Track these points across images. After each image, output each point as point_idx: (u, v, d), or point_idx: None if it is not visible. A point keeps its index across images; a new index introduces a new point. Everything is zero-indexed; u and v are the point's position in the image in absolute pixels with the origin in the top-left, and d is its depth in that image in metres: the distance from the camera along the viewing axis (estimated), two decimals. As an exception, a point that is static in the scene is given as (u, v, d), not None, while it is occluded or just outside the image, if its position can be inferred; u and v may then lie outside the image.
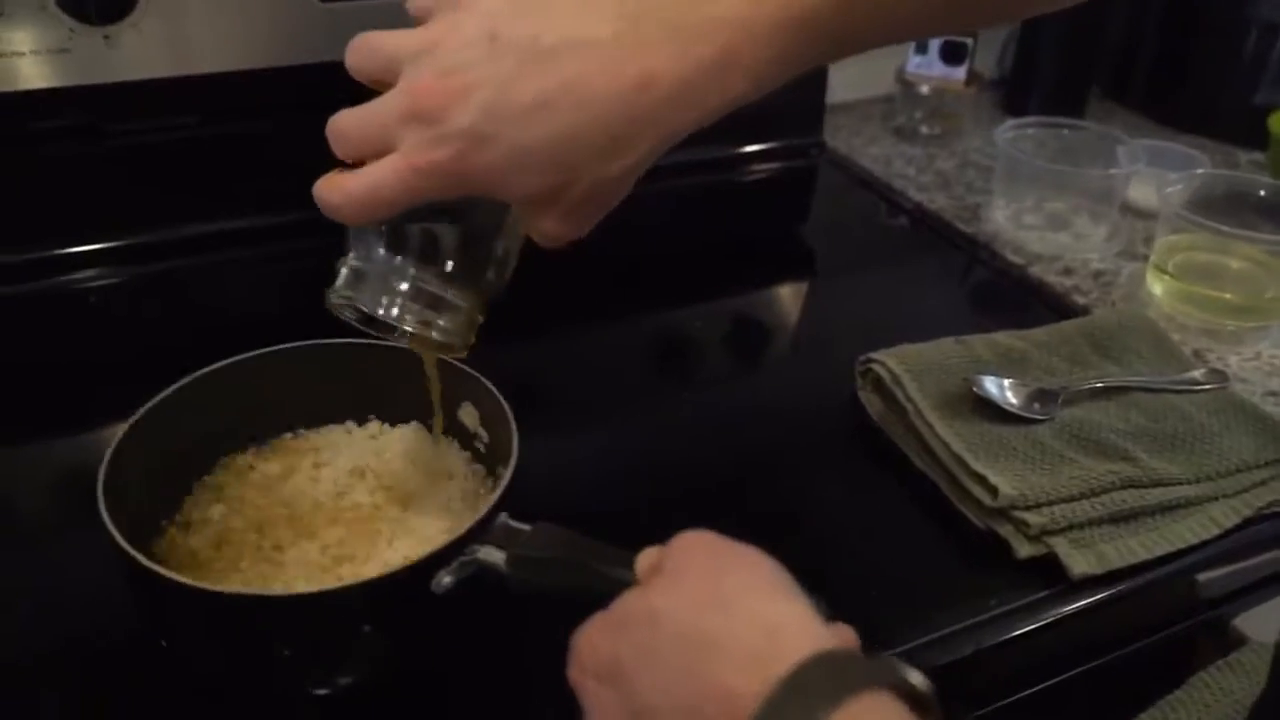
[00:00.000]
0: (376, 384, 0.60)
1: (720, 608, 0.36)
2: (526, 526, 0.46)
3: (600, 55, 0.39)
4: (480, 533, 0.46)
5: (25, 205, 0.78)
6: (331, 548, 0.52)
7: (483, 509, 0.46)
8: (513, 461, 0.50)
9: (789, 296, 0.92)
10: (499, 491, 0.48)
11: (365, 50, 0.43)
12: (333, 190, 0.42)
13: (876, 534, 0.61)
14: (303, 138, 0.83)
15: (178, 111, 0.80)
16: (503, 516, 0.47)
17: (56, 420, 0.70)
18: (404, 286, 0.44)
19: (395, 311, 0.44)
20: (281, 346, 0.59)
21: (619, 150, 0.41)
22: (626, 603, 0.38)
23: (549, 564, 0.44)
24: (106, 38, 0.72)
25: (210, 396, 0.56)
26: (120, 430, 0.51)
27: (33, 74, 0.72)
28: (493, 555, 0.45)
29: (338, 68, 0.82)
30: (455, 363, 0.56)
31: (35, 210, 0.78)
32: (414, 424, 0.61)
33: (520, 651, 0.52)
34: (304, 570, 0.50)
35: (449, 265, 0.45)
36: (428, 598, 0.45)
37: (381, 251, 0.44)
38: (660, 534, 0.57)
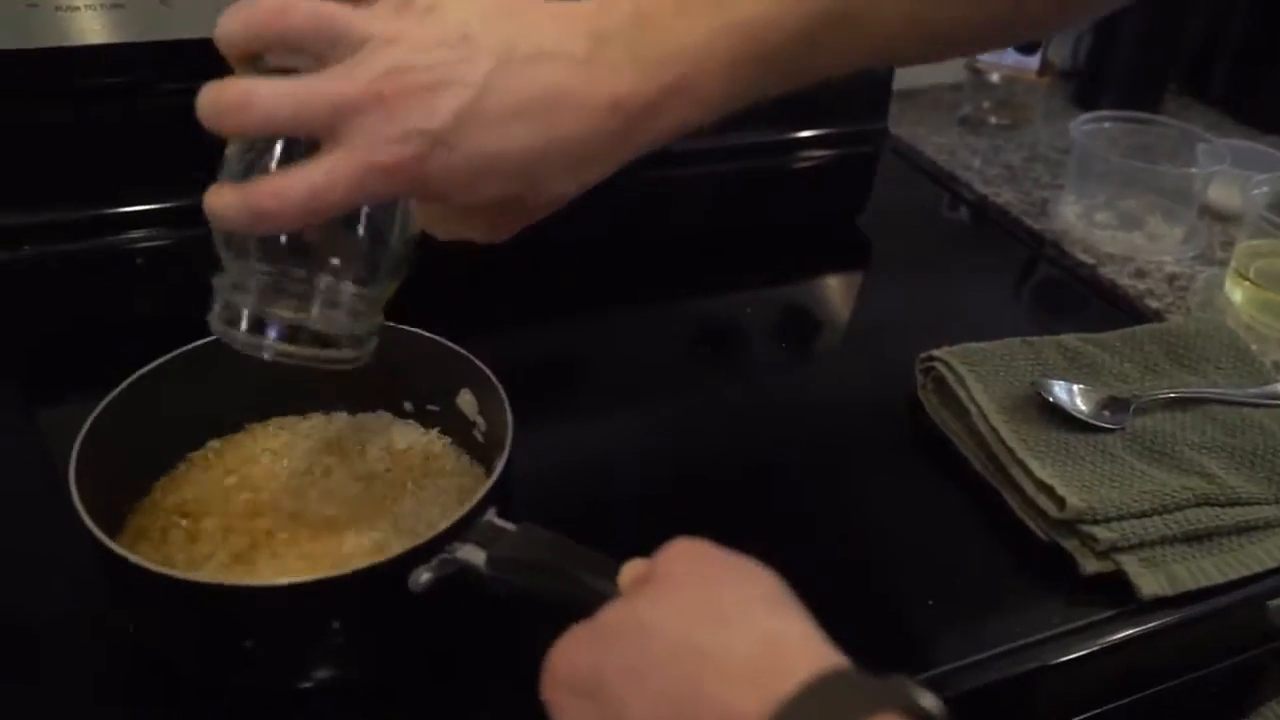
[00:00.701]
0: (374, 369, 0.57)
1: (716, 620, 0.33)
2: (511, 526, 0.44)
3: (576, 71, 0.37)
4: (463, 529, 0.43)
5: (75, 163, 0.77)
6: (310, 539, 0.49)
7: (470, 503, 0.44)
8: (505, 454, 0.47)
9: (843, 287, 0.89)
10: (488, 486, 0.45)
11: (305, 14, 0.36)
12: (261, 196, 0.35)
13: (932, 541, 0.58)
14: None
15: (231, 72, 0.78)
16: (490, 513, 0.45)
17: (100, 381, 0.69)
18: (317, 299, 0.39)
19: (303, 323, 0.39)
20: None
21: (584, 167, 0.40)
22: (611, 614, 0.35)
23: (529, 567, 0.42)
24: (162, -5, 0.71)
25: (192, 377, 0.53)
26: (97, 408, 0.49)
27: (87, 29, 0.71)
28: (473, 554, 0.43)
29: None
30: (455, 348, 0.54)
31: (85, 168, 0.78)
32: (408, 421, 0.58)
33: (499, 653, 0.49)
34: (279, 562, 0.48)
35: (359, 270, 0.40)
36: (404, 595, 0.43)
37: (267, 264, 0.39)
38: (695, 528, 0.56)
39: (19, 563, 0.52)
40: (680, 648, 0.32)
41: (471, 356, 0.54)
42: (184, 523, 0.50)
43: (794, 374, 0.74)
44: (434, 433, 0.57)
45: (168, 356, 0.53)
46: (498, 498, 0.45)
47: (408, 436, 0.57)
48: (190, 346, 0.53)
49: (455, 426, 0.56)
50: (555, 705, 0.34)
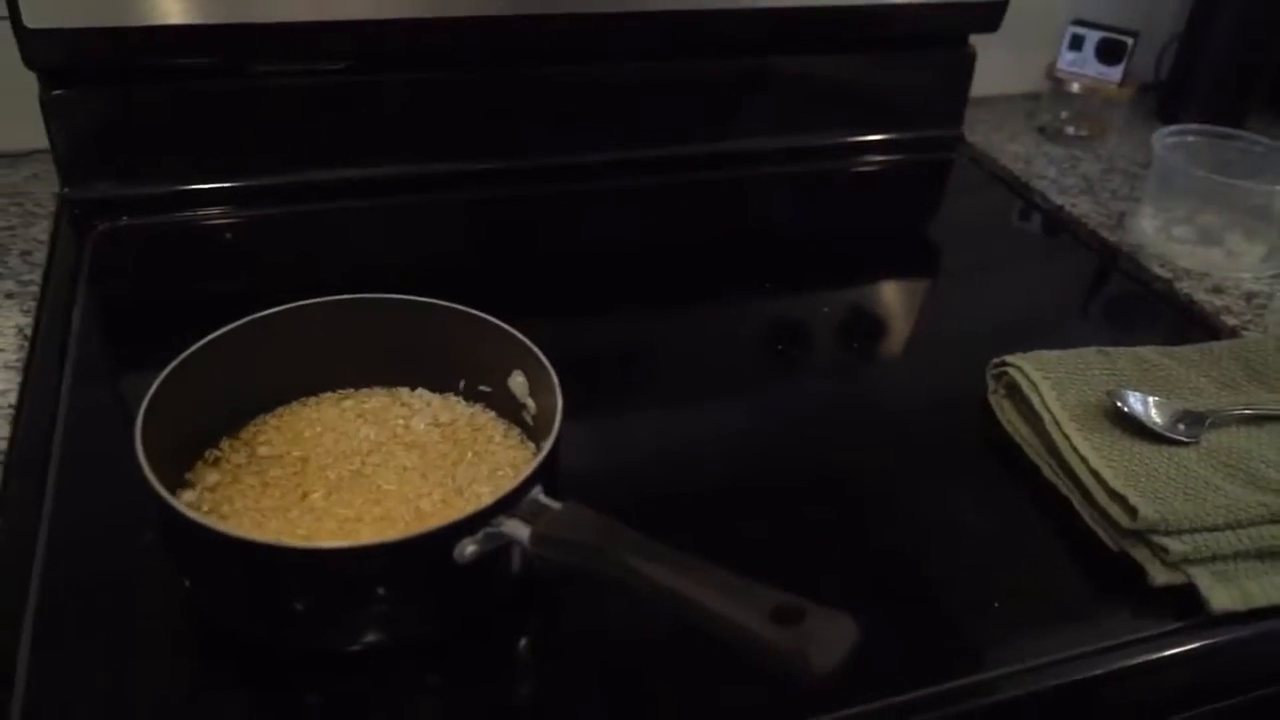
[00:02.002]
0: (431, 349, 0.58)
1: None
2: (557, 504, 0.45)
3: None
4: (509, 505, 0.44)
5: (165, 140, 0.80)
6: (363, 508, 0.50)
7: (515, 482, 0.45)
8: (554, 433, 0.48)
9: (913, 291, 0.89)
10: (535, 464, 0.46)
11: None
12: None
13: (999, 546, 0.58)
14: (439, 91, 0.84)
15: (323, 57, 0.81)
16: (536, 490, 0.45)
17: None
18: None
19: None
20: (345, 297, 0.57)
21: None
22: None
23: (571, 545, 0.43)
24: (263, -22, 0.73)
25: (262, 343, 0.54)
26: (167, 368, 0.50)
27: (179, 9, 0.73)
28: (518, 529, 0.44)
29: (484, 23, 0.82)
30: (508, 329, 0.55)
31: (176, 145, 0.81)
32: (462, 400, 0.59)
33: (534, 628, 0.51)
34: (333, 526, 0.49)
35: None
36: (448, 565, 0.43)
37: None
38: (755, 527, 0.56)
39: (87, 522, 0.54)
40: None
41: (524, 338, 0.55)
42: (243, 483, 0.52)
43: (861, 376, 0.75)
44: (478, 407, 0.58)
45: (221, 331, 0.54)
46: (544, 476, 0.46)
47: (451, 410, 0.58)
48: (241, 322, 0.54)
49: (507, 408, 0.57)
50: None
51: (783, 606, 0.37)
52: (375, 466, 0.52)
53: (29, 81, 0.76)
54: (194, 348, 0.52)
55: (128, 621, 0.49)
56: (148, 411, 0.47)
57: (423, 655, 0.48)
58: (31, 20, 0.70)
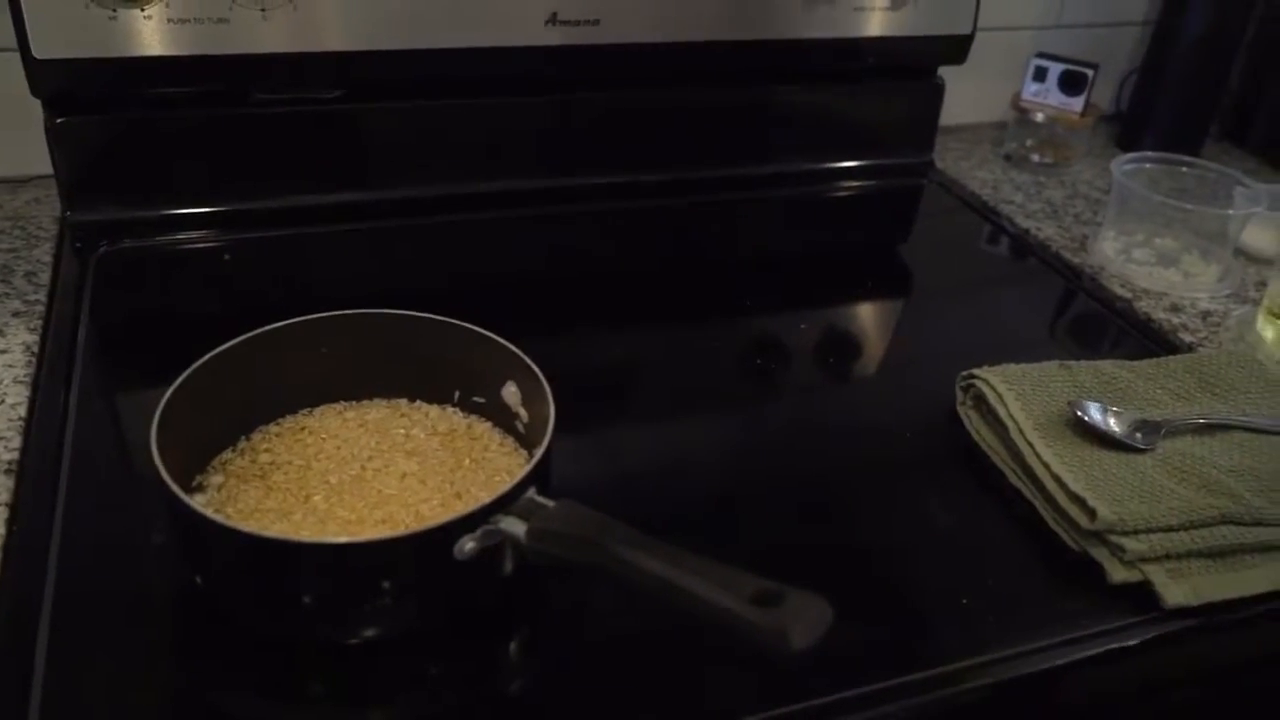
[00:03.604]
0: (427, 361, 0.60)
1: None
2: (551, 503, 0.47)
3: None
4: (506, 503, 0.47)
5: (165, 165, 0.83)
6: (364, 511, 0.52)
7: (512, 482, 0.48)
8: (547, 438, 0.51)
9: (885, 312, 0.92)
10: (530, 466, 0.49)
11: None
12: None
13: (968, 547, 0.61)
14: (434, 119, 0.88)
15: (317, 86, 0.84)
16: (530, 491, 0.48)
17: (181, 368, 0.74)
18: None
19: None
20: (341, 313, 0.59)
21: None
22: None
23: (565, 539, 0.45)
24: (263, 10, 0.76)
25: (267, 355, 0.57)
26: (180, 377, 0.53)
27: (180, 41, 0.76)
28: (514, 526, 0.47)
29: (473, 54, 0.86)
30: (501, 341, 0.57)
31: (175, 171, 0.83)
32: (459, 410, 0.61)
33: (532, 624, 0.53)
34: (335, 528, 0.51)
35: None
36: (448, 561, 0.46)
37: None
38: (740, 532, 0.59)
39: (97, 527, 0.56)
40: None
41: (516, 350, 0.57)
42: (248, 487, 0.54)
43: (837, 390, 0.78)
44: (474, 417, 0.60)
45: (229, 344, 0.56)
46: (539, 478, 0.49)
47: (449, 420, 0.60)
48: (248, 335, 0.57)
49: (500, 419, 0.60)
50: None
51: (763, 590, 0.40)
52: (376, 472, 0.54)
53: (31, 109, 0.79)
54: (203, 359, 0.54)
55: (138, 620, 0.51)
56: (161, 419, 0.50)
57: (419, 649, 0.50)
58: (39, 51, 0.73)
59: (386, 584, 0.47)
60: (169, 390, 0.52)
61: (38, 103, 0.78)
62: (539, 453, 0.50)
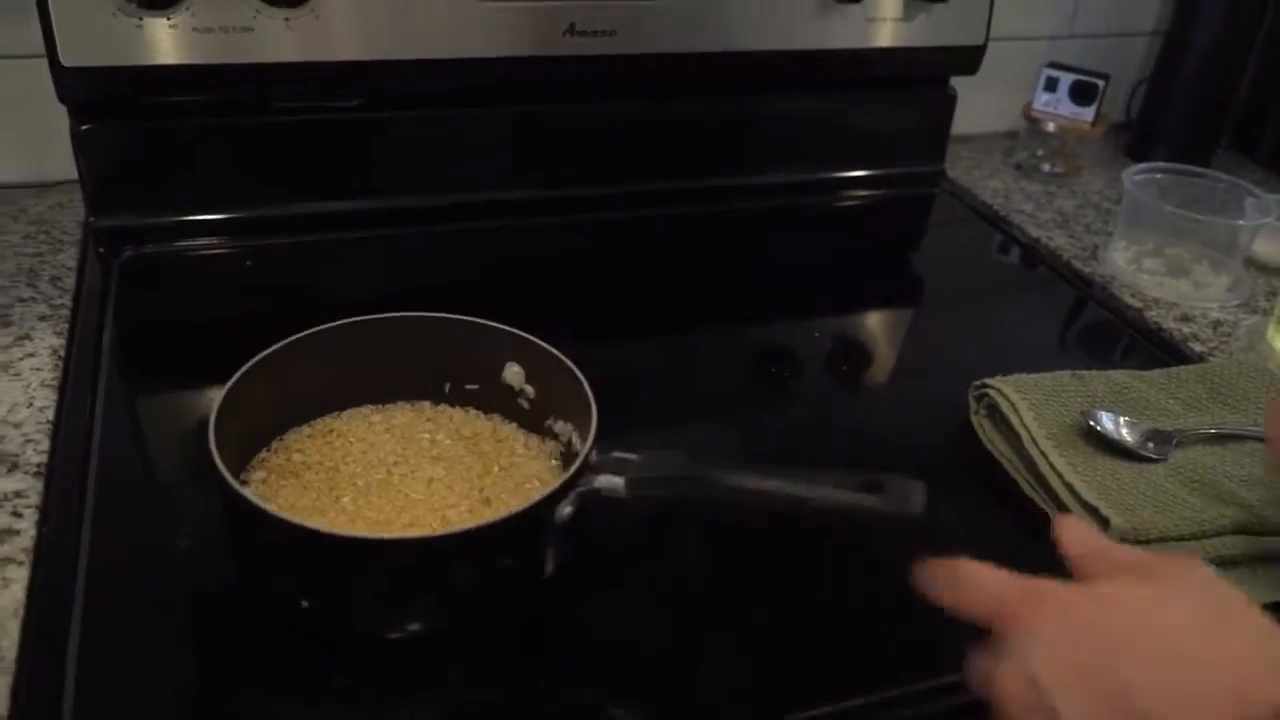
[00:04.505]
0: (421, 356, 0.62)
1: (1235, 626, 0.37)
2: (634, 455, 0.51)
3: None
4: (591, 467, 0.50)
5: (187, 171, 0.84)
6: (390, 514, 0.54)
7: (583, 449, 0.51)
8: (594, 407, 0.54)
9: (897, 321, 0.93)
10: (592, 431, 0.52)
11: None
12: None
13: (982, 554, 0.61)
14: (453, 128, 0.89)
15: (337, 95, 0.85)
16: (611, 453, 0.51)
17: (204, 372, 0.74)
18: None
19: None
20: (373, 317, 0.61)
21: None
22: (1108, 614, 0.39)
23: (670, 481, 0.50)
24: (287, 20, 0.77)
25: (299, 361, 0.58)
26: (234, 378, 0.54)
27: (214, 49, 0.77)
28: (610, 483, 0.50)
29: (492, 64, 0.87)
30: (496, 325, 0.60)
31: (197, 177, 0.84)
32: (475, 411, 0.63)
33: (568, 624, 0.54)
34: (364, 528, 0.52)
35: None
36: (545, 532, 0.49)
37: None
38: (749, 539, 0.60)
39: (126, 528, 0.57)
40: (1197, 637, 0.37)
41: (511, 329, 0.60)
42: (285, 484, 0.55)
43: (850, 396, 0.79)
44: (497, 417, 0.62)
45: (277, 346, 0.57)
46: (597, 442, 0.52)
47: (473, 424, 0.61)
48: (290, 340, 0.58)
49: (502, 399, 0.62)
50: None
51: (869, 481, 0.50)
52: (402, 477, 0.55)
53: (54, 116, 0.80)
54: (251, 362, 0.55)
55: (168, 619, 0.52)
56: (218, 416, 0.51)
57: (457, 648, 0.52)
58: (67, 59, 0.74)
59: (507, 561, 0.50)
60: (222, 392, 0.53)
61: (62, 109, 0.79)
62: (593, 415, 0.53)
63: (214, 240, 0.84)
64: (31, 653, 0.49)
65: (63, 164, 0.84)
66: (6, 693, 0.47)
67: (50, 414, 0.64)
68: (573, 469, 0.50)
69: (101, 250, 0.81)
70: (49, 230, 0.84)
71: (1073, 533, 0.45)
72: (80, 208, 0.86)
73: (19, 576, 0.52)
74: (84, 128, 0.80)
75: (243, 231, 0.84)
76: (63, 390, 0.66)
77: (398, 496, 0.54)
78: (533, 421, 0.61)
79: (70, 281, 0.77)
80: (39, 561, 0.53)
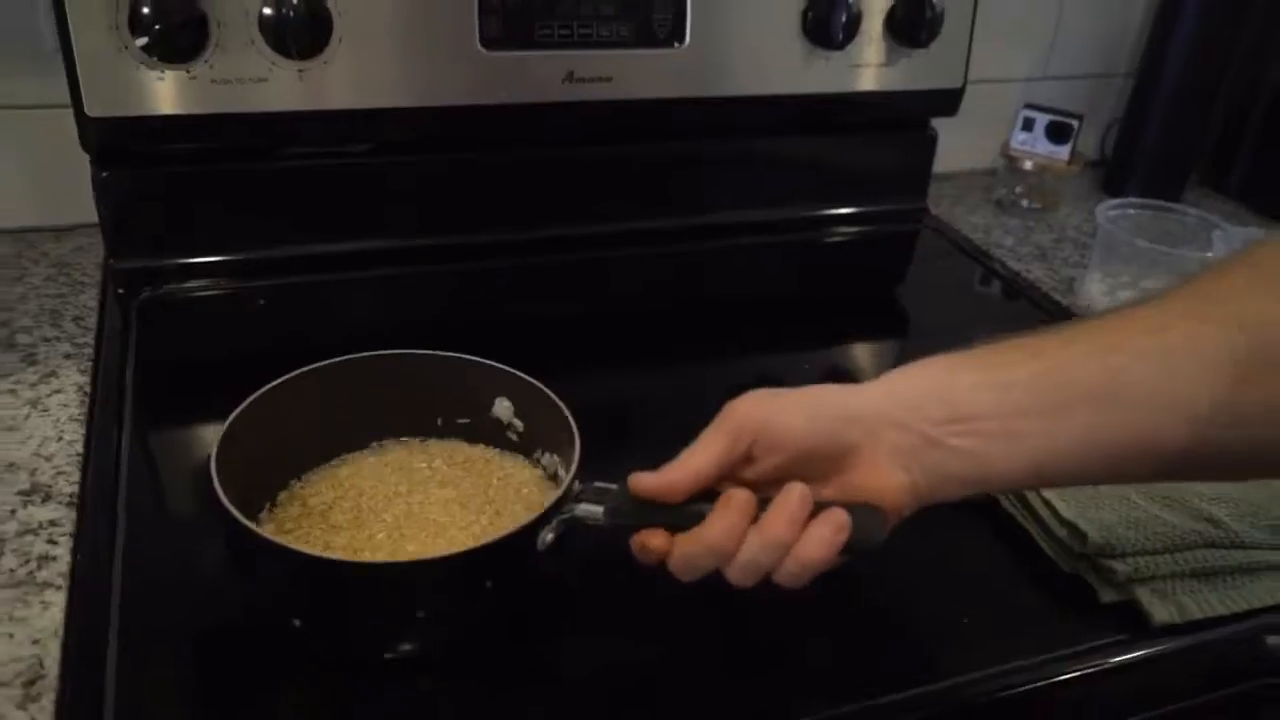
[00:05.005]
0: (419, 393, 0.65)
1: None
2: (613, 485, 0.53)
3: None
4: (573, 496, 0.53)
5: (202, 215, 0.88)
6: (426, 541, 0.57)
7: (566, 478, 0.54)
8: (577, 438, 0.57)
9: (885, 351, 0.97)
10: (575, 462, 0.55)
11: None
12: None
13: (968, 570, 0.65)
14: (458, 171, 0.93)
15: (346, 141, 0.89)
16: (591, 483, 0.54)
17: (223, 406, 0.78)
18: None
19: None
20: (379, 353, 0.64)
21: None
22: None
23: (648, 510, 0.51)
24: (300, 71, 0.81)
25: (302, 395, 0.61)
26: (233, 414, 0.57)
27: (231, 99, 0.81)
28: (590, 511, 0.53)
29: (495, 110, 0.91)
30: (487, 362, 0.63)
31: (211, 220, 0.88)
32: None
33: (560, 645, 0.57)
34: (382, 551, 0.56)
35: None
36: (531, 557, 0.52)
37: None
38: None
39: (156, 554, 0.60)
40: None
41: (501, 365, 0.63)
42: (311, 530, 0.57)
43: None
44: (479, 445, 0.65)
45: (295, 373, 0.61)
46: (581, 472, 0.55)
47: (462, 451, 0.65)
48: (278, 381, 0.61)
49: (492, 433, 0.65)
50: None
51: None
52: (420, 503, 0.59)
53: (73, 162, 0.83)
54: (250, 399, 0.58)
55: (199, 637, 0.55)
56: (219, 452, 0.53)
57: (463, 661, 0.55)
58: (92, 109, 0.78)
59: (490, 583, 0.52)
60: (222, 429, 0.56)
61: (80, 155, 0.83)
62: (576, 448, 0.56)
63: (227, 280, 0.87)
64: (72, 669, 0.52)
65: (80, 208, 0.88)
66: (51, 707, 0.49)
67: (79, 447, 0.67)
68: (556, 496, 0.53)
69: (121, 291, 0.84)
70: (69, 272, 0.87)
71: None
72: (98, 250, 0.90)
73: (57, 600, 0.55)
74: (104, 174, 0.83)
75: (255, 272, 0.88)
76: (90, 424, 0.69)
77: (428, 523, 0.57)
78: (521, 454, 0.65)
79: (92, 321, 0.81)
80: (75, 585, 0.56)
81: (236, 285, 0.87)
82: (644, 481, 0.51)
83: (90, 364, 0.75)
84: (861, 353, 0.94)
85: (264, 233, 0.89)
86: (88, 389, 0.73)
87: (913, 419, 0.52)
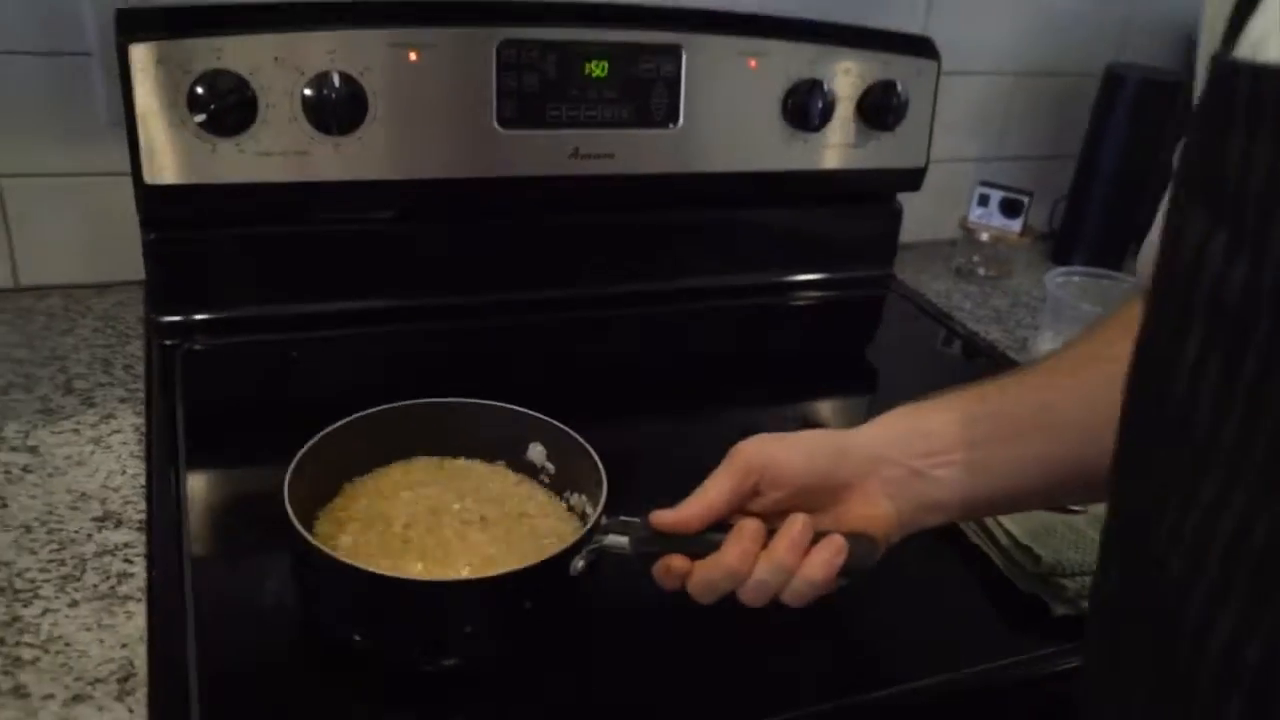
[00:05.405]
0: (462, 435, 0.72)
1: None
2: (636, 519, 0.61)
3: None
4: (601, 529, 0.61)
5: (239, 273, 0.96)
6: (436, 553, 0.64)
7: (595, 513, 0.61)
8: (604, 477, 0.64)
9: (856, 404, 1.06)
10: (602, 499, 0.63)
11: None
12: None
13: (936, 591, 0.74)
14: (475, 236, 1.02)
15: (376, 208, 0.98)
16: (617, 516, 0.61)
17: (265, 445, 0.84)
18: None
19: None
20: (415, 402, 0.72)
21: None
22: None
23: (666, 539, 0.59)
24: (337, 146, 0.90)
25: (355, 437, 0.68)
26: (301, 451, 0.64)
27: (273, 169, 0.90)
28: (616, 541, 0.60)
29: (509, 182, 1.00)
30: (522, 410, 0.71)
31: (248, 278, 0.96)
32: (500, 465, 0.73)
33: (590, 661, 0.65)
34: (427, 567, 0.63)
35: None
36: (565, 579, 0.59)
37: None
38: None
39: (223, 574, 0.68)
40: None
41: (535, 413, 0.71)
42: (351, 532, 0.65)
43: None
44: (501, 464, 0.73)
45: (355, 416, 0.69)
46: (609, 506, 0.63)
47: (501, 477, 0.72)
48: (366, 412, 0.69)
49: (525, 474, 0.72)
50: None
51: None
52: (460, 526, 0.67)
53: (117, 225, 0.92)
54: (316, 437, 0.66)
55: (266, 642, 0.62)
56: (290, 485, 0.61)
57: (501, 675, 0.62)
58: (150, 178, 0.86)
59: (527, 604, 0.60)
60: (292, 462, 0.63)
61: (122, 219, 0.91)
62: (603, 487, 0.64)
63: (263, 333, 0.95)
64: (159, 667, 0.58)
65: (119, 266, 0.96)
66: (145, 699, 0.56)
67: (141, 480, 0.74)
68: (586, 528, 0.61)
69: (165, 343, 0.91)
70: (114, 324, 0.95)
71: None
72: (137, 305, 0.98)
73: (138, 610, 0.62)
74: (152, 236, 0.91)
75: (288, 325, 0.96)
76: (149, 459, 0.76)
77: (464, 547, 0.65)
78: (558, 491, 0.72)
79: (140, 369, 0.88)
80: (154, 598, 0.63)
81: (272, 337, 0.95)
82: (664, 516, 0.59)
83: (143, 407, 0.83)
84: (838, 405, 1.04)
85: (296, 290, 0.97)
86: (143, 429, 0.80)
87: (899, 455, 0.61)
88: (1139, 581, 0.39)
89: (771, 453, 0.61)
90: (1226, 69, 0.32)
